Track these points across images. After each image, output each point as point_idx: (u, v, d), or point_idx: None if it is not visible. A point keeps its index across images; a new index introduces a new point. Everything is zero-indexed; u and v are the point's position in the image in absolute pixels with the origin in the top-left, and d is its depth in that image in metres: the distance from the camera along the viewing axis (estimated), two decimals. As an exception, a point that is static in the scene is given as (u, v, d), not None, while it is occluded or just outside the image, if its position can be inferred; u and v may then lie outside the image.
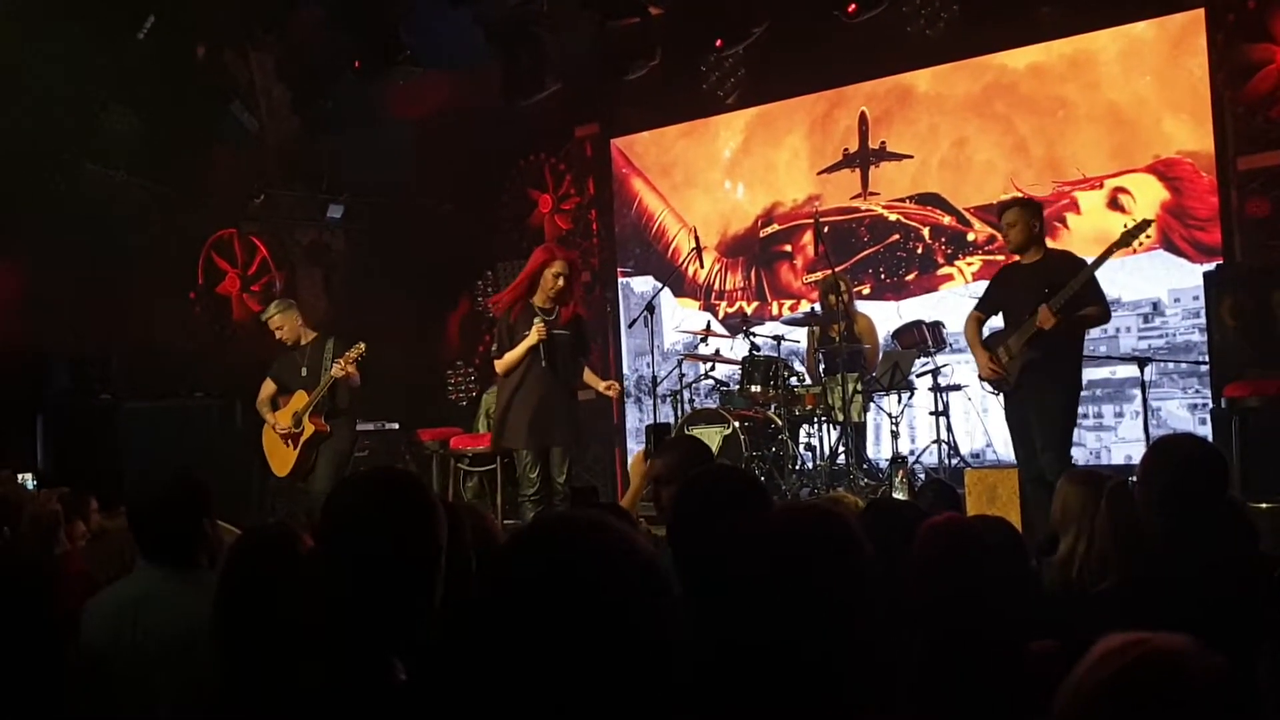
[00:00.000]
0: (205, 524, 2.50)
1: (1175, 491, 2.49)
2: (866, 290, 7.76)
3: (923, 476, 6.31)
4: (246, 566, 1.71)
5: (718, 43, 7.36)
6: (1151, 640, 1.00)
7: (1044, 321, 4.91)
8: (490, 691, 0.99)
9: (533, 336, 5.32)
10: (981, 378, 5.28)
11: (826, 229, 7.36)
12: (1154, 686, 0.97)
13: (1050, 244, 5.58)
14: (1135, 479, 2.74)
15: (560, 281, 5.38)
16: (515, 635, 0.98)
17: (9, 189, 6.88)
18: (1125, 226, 5.09)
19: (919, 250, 7.78)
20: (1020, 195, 5.40)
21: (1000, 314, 5.30)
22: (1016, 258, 5.27)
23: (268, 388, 6.18)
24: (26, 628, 1.83)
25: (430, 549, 1.61)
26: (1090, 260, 5.06)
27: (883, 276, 7.92)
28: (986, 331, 5.38)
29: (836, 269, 6.95)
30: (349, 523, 1.61)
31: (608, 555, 1.03)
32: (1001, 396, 5.30)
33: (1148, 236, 5.19)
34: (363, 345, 5.89)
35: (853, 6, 6.84)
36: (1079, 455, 6.99)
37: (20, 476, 4.79)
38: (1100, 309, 5.03)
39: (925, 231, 7.76)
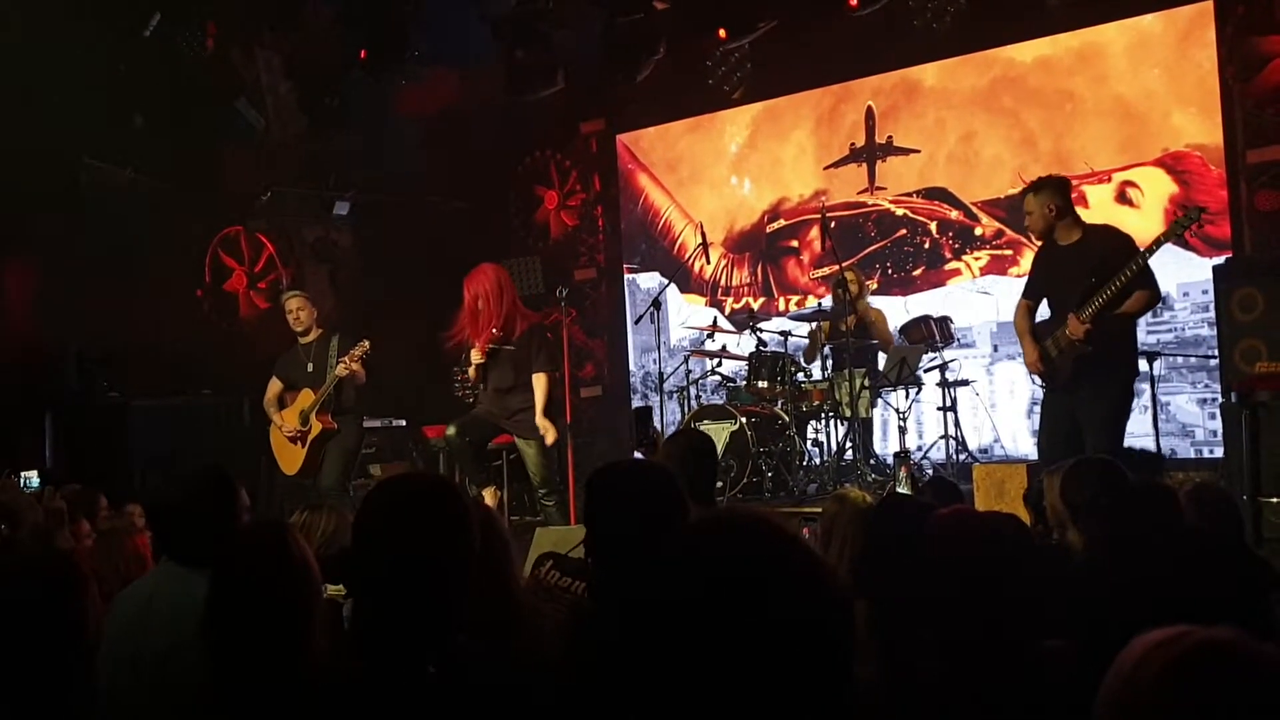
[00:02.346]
0: (232, 521, 2.47)
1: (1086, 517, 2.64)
2: (874, 285, 7.74)
3: (930, 472, 6.30)
4: (239, 564, 1.72)
5: (722, 33, 7.32)
6: (1195, 632, 0.98)
7: (1074, 332, 4.65)
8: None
9: (473, 359, 5.75)
10: (1030, 370, 5.01)
11: (834, 224, 7.33)
12: (1208, 679, 0.95)
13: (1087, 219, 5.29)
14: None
15: (477, 304, 5.67)
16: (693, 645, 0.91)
17: (17, 188, 6.90)
18: (1176, 214, 4.91)
19: (926, 245, 7.76)
20: (1042, 177, 5.03)
21: (1046, 300, 4.99)
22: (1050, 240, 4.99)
23: (274, 386, 6.20)
24: (46, 627, 1.84)
25: (462, 553, 1.62)
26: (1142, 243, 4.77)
27: (890, 272, 7.90)
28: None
29: (844, 264, 6.94)
30: (385, 526, 1.63)
31: (782, 559, 0.96)
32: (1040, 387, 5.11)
33: (1200, 226, 4.95)
34: (367, 343, 5.91)
35: (854, 1, 6.81)
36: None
37: (24, 474, 4.79)
38: (1150, 293, 4.73)
39: (932, 226, 7.74)
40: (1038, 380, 5.12)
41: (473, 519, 1.67)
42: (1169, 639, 0.99)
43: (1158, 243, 4.61)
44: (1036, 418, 5.49)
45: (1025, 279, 5.19)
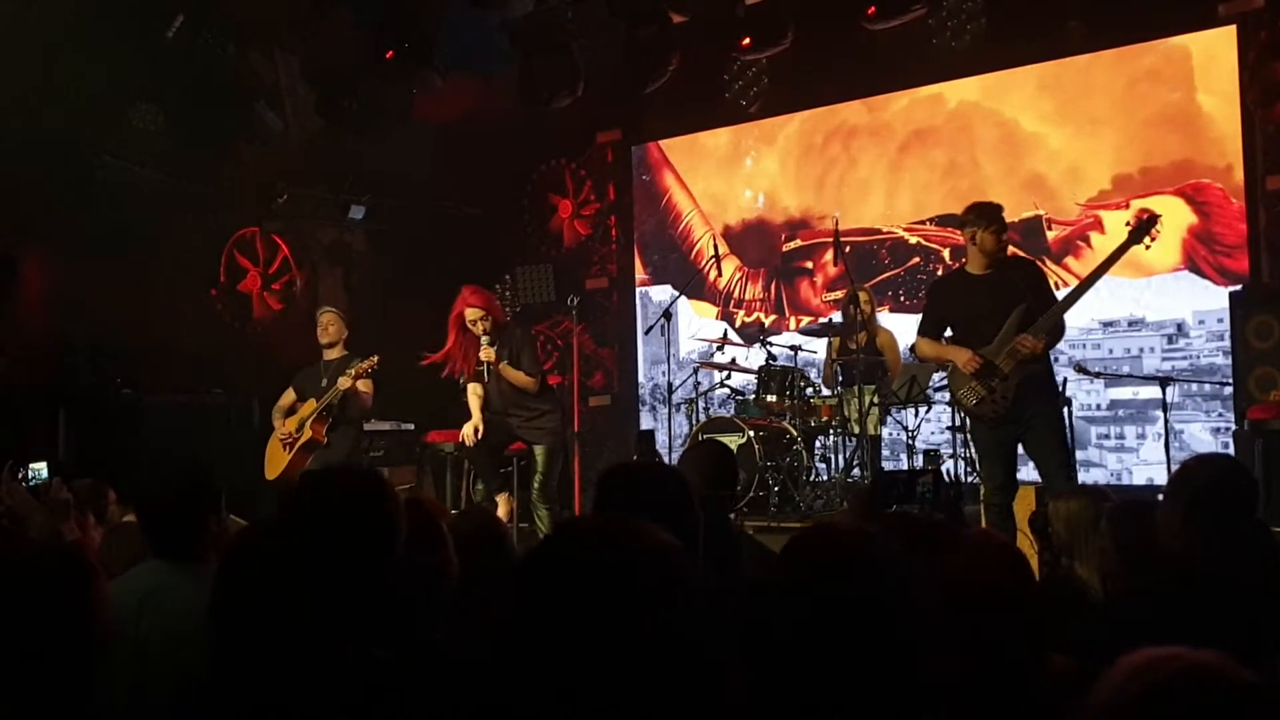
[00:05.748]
0: (212, 518, 2.50)
1: (1200, 511, 2.47)
2: (886, 311, 7.73)
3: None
4: (247, 559, 1.72)
5: (746, 41, 7.30)
6: (1184, 655, 0.98)
7: (1034, 348, 4.49)
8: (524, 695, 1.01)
9: (474, 414, 5.73)
10: (976, 412, 4.65)
11: (848, 249, 7.30)
12: (1188, 702, 0.95)
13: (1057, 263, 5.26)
14: (1162, 496, 2.72)
15: (481, 325, 5.68)
16: (544, 638, 1.01)
17: (36, 184, 6.94)
18: (1128, 224, 4.70)
19: (939, 272, 7.73)
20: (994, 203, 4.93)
21: (954, 329, 4.80)
22: (958, 268, 4.95)
23: (287, 396, 6.29)
24: (57, 621, 1.85)
25: (378, 539, 1.62)
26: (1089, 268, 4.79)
27: (902, 299, 7.87)
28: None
29: (857, 284, 6.93)
30: (302, 513, 1.64)
31: (629, 554, 1.04)
32: (969, 420, 4.86)
33: (1158, 230, 4.69)
34: (376, 358, 5.95)
35: (871, 9, 6.79)
36: (1099, 476, 6.94)
37: (32, 466, 4.77)
38: (1060, 333, 4.76)
39: (945, 253, 7.72)
40: (971, 413, 4.76)
41: (392, 508, 1.68)
42: (1158, 659, 0.99)
43: (1121, 250, 4.58)
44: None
45: (925, 312, 4.95)
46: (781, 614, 1.58)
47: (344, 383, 5.87)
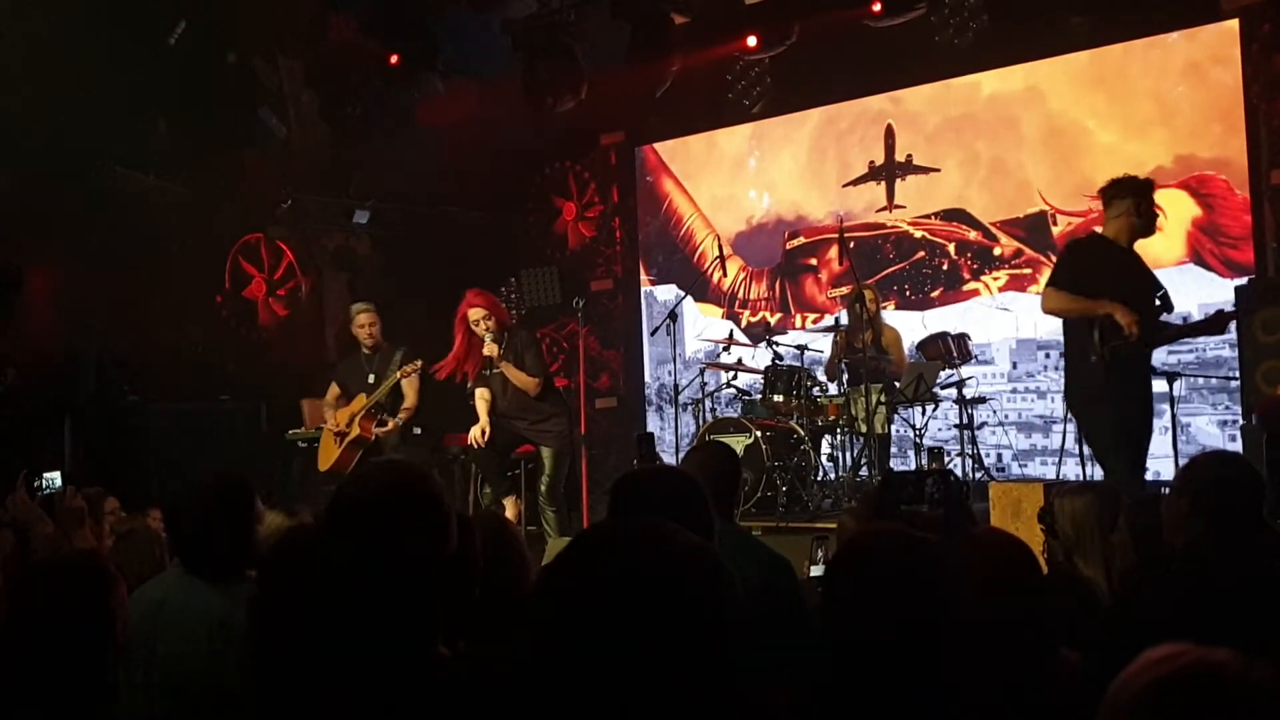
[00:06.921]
0: (249, 531, 2.42)
1: (1205, 506, 2.46)
2: (891, 306, 7.72)
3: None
4: (288, 566, 1.71)
5: (754, 42, 7.30)
6: (1193, 651, 0.98)
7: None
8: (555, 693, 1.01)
9: (481, 418, 5.78)
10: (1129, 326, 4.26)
11: (852, 244, 7.30)
12: (1193, 697, 0.95)
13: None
14: (1167, 490, 2.71)
15: (485, 325, 5.71)
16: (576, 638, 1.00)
17: (42, 193, 6.97)
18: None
19: (944, 267, 7.72)
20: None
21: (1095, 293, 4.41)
22: (1096, 234, 4.70)
23: (333, 390, 6.44)
24: (82, 627, 1.86)
25: (433, 542, 1.60)
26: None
27: (908, 293, 7.86)
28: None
29: (862, 282, 6.93)
30: (354, 512, 1.61)
31: (662, 553, 1.05)
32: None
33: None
34: (419, 362, 6.11)
35: (879, 7, 6.78)
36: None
37: (46, 476, 4.80)
38: None
39: (951, 247, 7.71)
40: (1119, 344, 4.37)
41: (445, 508, 1.66)
42: (1167, 655, 0.99)
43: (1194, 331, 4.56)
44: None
45: (1066, 267, 4.59)
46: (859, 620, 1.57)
47: (385, 389, 6.12)
